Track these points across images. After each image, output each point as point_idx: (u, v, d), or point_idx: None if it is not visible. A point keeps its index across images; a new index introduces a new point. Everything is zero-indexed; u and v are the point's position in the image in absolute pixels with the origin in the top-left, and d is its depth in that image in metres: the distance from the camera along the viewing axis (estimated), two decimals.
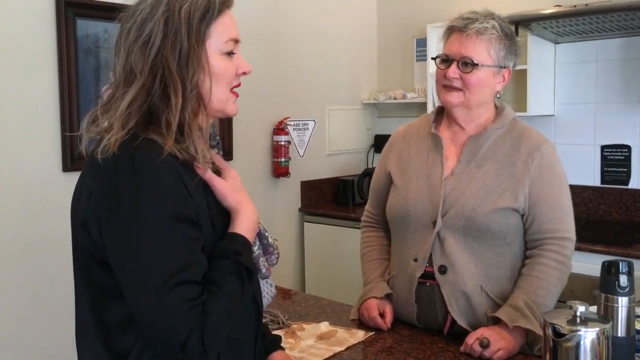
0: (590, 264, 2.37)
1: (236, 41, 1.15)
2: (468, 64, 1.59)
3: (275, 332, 1.46)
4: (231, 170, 1.18)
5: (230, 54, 1.14)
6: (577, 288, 2.45)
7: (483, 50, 1.59)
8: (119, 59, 1.10)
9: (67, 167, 2.55)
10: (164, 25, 1.07)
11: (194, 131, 1.09)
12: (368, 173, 3.53)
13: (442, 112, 1.76)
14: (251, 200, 1.16)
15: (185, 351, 0.98)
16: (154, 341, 1.01)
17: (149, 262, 0.99)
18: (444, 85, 1.64)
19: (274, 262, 1.23)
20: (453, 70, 1.60)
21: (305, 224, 3.64)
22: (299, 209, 3.66)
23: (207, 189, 1.11)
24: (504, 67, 1.64)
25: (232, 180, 1.15)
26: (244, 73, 1.18)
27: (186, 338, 0.98)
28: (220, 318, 1.02)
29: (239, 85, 1.19)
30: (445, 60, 1.64)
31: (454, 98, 1.63)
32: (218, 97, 1.13)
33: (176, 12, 1.07)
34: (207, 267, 1.05)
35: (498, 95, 1.68)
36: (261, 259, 1.17)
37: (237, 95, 1.19)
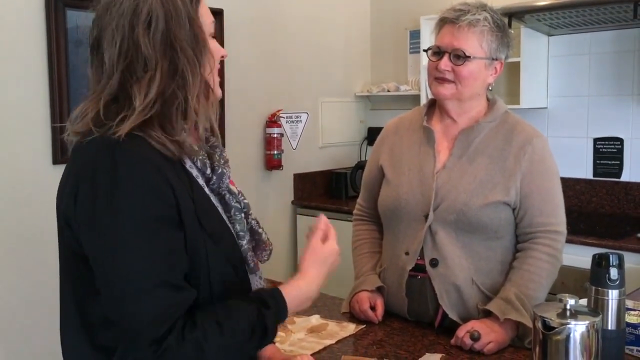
0: (581, 257, 2.37)
1: (213, 22, 1.14)
2: (460, 56, 1.58)
3: None
4: (328, 245, 1.19)
5: (213, 37, 1.13)
6: (568, 280, 2.46)
7: (475, 42, 1.59)
8: (110, 49, 1.04)
9: (57, 159, 2.54)
10: (161, 4, 1.03)
11: (211, 113, 1.08)
12: (361, 166, 3.52)
13: (434, 105, 1.75)
14: (321, 282, 1.14)
15: (157, 353, 0.95)
16: (127, 341, 0.99)
17: (125, 264, 0.97)
18: (435, 77, 1.63)
19: (265, 258, 1.22)
20: (445, 63, 1.60)
21: (298, 216, 3.64)
22: (292, 202, 3.65)
23: (193, 184, 1.08)
24: (496, 59, 1.63)
25: (323, 249, 1.15)
26: (223, 57, 1.16)
27: (161, 339, 0.95)
28: (214, 354, 0.99)
29: (218, 69, 1.17)
30: (437, 52, 1.63)
31: (446, 90, 1.62)
32: (209, 70, 1.11)
33: None
34: (187, 268, 1.02)
35: (490, 88, 1.68)
36: (249, 254, 1.16)
37: (219, 78, 1.17)
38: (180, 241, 1.02)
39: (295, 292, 1.12)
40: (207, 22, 1.11)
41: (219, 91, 1.15)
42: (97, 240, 0.99)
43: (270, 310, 1.06)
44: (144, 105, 1.02)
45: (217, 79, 1.15)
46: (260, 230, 1.21)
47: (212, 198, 1.13)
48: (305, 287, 1.14)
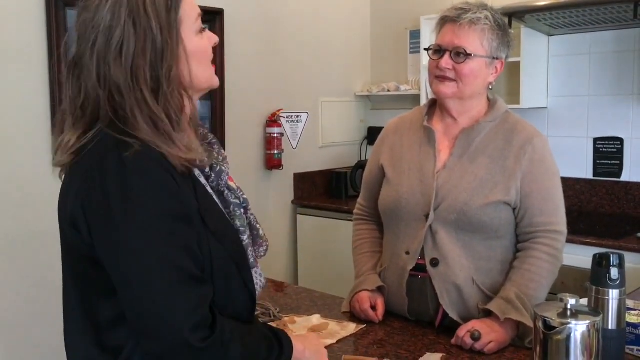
0: (582, 257, 2.38)
1: (200, 14, 1.13)
2: (461, 54, 1.58)
3: None
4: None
5: (202, 31, 1.12)
6: (568, 280, 2.46)
7: (476, 41, 1.59)
8: (89, 74, 1.04)
9: None
10: (133, 28, 1.02)
11: (186, 127, 1.08)
12: (361, 165, 3.52)
13: (434, 105, 1.75)
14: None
15: (185, 348, 0.97)
16: (154, 341, 1.00)
17: (147, 261, 0.97)
18: (437, 76, 1.63)
19: (262, 253, 1.23)
20: (446, 61, 1.60)
21: (298, 216, 3.64)
22: (292, 202, 3.65)
23: (195, 183, 1.09)
24: (497, 58, 1.63)
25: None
26: (215, 44, 1.16)
27: (189, 334, 0.97)
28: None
29: (213, 57, 1.17)
30: (438, 50, 1.63)
31: (447, 89, 1.62)
32: (204, 76, 1.12)
33: (140, 10, 1.02)
34: (202, 262, 1.04)
35: (490, 87, 1.68)
36: (250, 249, 1.17)
37: (214, 66, 1.17)
38: (194, 237, 1.03)
39: (300, 346, 1.19)
40: (191, 20, 1.09)
41: (215, 80, 1.16)
42: (114, 240, 0.99)
43: (282, 335, 1.14)
44: (159, 133, 1.02)
45: (211, 69, 1.15)
46: (258, 225, 1.22)
47: (213, 196, 1.14)
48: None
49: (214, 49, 1.17)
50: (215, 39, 1.16)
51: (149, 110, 1.03)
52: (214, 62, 1.18)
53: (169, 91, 1.04)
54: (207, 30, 1.14)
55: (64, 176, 1.11)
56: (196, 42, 1.10)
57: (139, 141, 1.01)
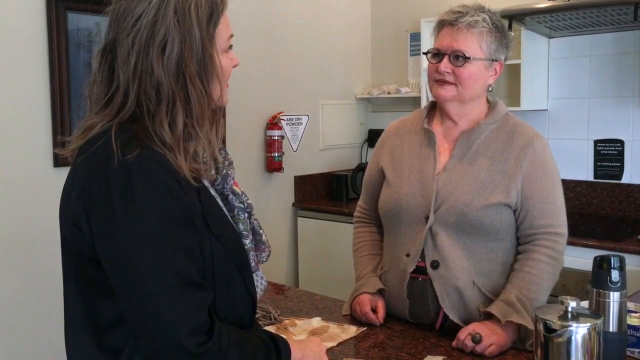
0: (583, 259, 2.37)
1: (232, 36, 1.14)
2: (460, 58, 1.58)
3: (266, 328, 1.45)
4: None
5: (228, 50, 1.13)
6: (569, 283, 2.46)
7: (474, 44, 1.59)
8: (124, 67, 1.03)
9: (58, 162, 2.53)
10: (178, 28, 1.02)
11: (213, 139, 1.09)
12: (362, 168, 3.52)
13: (434, 108, 1.75)
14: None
15: (182, 353, 0.98)
16: (150, 343, 1.00)
17: (147, 264, 0.98)
18: (436, 79, 1.63)
19: (264, 259, 1.24)
20: (445, 64, 1.60)
21: (299, 219, 3.64)
22: (293, 204, 3.65)
23: (200, 186, 1.09)
24: (496, 61, 1.64)
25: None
26: (235, 66, 1.16)
27: (186, 339, 0.97)
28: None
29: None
30: (437, 54, 1.63)
31: (447, 92, 1.62)
32: (218, 93, 1.12)
33: (186, 12, 1.02)
34: (204, 267, 1.04)
35: (490, 89, 1.68)
36: (252, 253, 1.17)
37: (228, 86, 1.18)
38: (195, 241, 1.03)
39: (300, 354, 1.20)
40: (224, 39, 1.10)
41: (226, 99, 1.16)
42: (114, 241, 0.99)
43: (281, 342, 1.14)
44: (176, 139, 1.02)
45: (225, 88, 1.15)
46: (261, 231, 1.22)
47: (217, 199, 1.14)
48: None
49: None
50: (237, 60, 1.16)
51: (184, 113, 1.03)
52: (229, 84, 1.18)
53: (210, 100, 1.05)
54: (231, 52, 1.14)
55: (67, 176, 1.11)
56: (223, 61, 1.10)
57: (149, 142, 1.01)
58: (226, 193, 1.17)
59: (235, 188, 1.19)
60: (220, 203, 1.15)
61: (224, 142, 3.31)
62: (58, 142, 2.49)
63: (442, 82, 1.62)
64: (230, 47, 1.13)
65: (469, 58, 1.58)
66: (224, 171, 1.17)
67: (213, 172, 1.12)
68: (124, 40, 1.03)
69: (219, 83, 1.09)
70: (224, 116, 3.27)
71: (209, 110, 1.07)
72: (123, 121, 1.04)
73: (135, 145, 1.01)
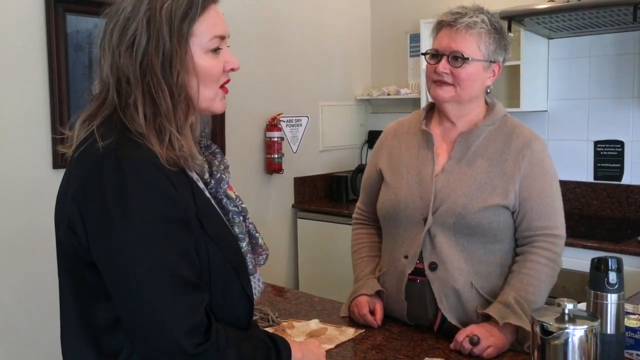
0: (582, 260, 2.36)
1: (222, 37, 1.13)
2: (458, 59, 1.58)
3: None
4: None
5: (216, 50, 1.11)
6: (569, 284, 2.45)
7: (473, 45, 1.58)
8: (105, 61, 1.08)
9: (57, 164, 2.54)
10: (146, 25, 1.05)
11: (187, 133, 1.09)
12: (362, 169, 3.51)
13: (433, 109, 1.75)
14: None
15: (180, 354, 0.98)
16: (147, 344, 1.00)
17: (143, 266, 0.98)
18: (434, 80, 1.63)
19: (262, 262, 1.23)
20: (443, 65, 1.60)
21: (299, 220, 3.63)
22: (292, 206, 3.65)
23: (194, 187, 1.09)
24: (494, 62, 1.63)
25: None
26: (232, 69, 1.15)
27: (183, 340, 0.97)
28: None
29: (228, 81, 1.16)
30: (435, 55, 1.63)
31: (445, 93, 1.62)
32: (205, 96, 1.11)
33: (157, 11, 1.05)
34: (200, 268, 1.04)
35: (488, 90, 1.68)
36: (249, 256, 1.17)
37: (226, 91, 1.16)
38: (191, 242, 1.03)
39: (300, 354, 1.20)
40: (205, 38, 1.09)
41: (218, 105, 1.15)
42: (109, 243, 0.99)
43: (280, 342, 1.15)
44: (148, 129, 1.04)
45: (219, 93, 1.14)
46: (257, 234, 1.22)
47: (212, 201, 1.14)
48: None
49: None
50: (233, 64, 1.14)
51: (152, 105, 1.05)
52: (229, 87, 1.17)
53: (177, 95, 1.06)
54: (227, 54, 1.13)
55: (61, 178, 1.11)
56: (203, 60, 1.09)
57: (135, 135, 1.03)
58: (220, 197, 1.17)
59: (229, 192, 1.19)
60: (215, 206, 1.15)
61: (223, 144, 3.32)
62: (58, 140, 2.50)
63: (440, 83, 1.62)
64: (218, 49, 1.11)
65: (467, 59, 1.58)
66: (218, 175, 1.16)
67: (200, 162, 1.12)
68: (106, 35, 1.08)
69: (198, 82, 1.09)
70: (223, 118, 3.29)
71: (183, 103, 1.08)
72: (109, 114, 1.07)
73: (111, 134, 1.03)
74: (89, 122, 1.08)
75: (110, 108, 1.07)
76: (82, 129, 1.09)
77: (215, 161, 1.20)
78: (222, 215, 1.15)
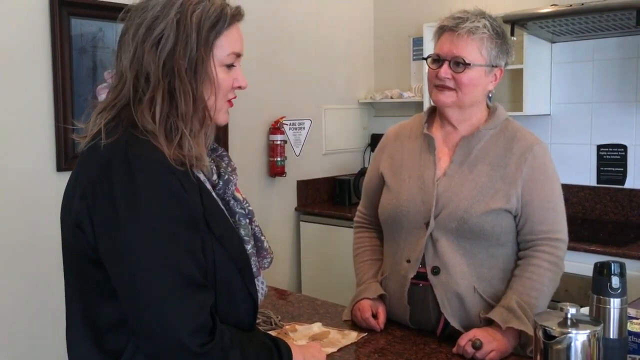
0: (586, 264, 2.36)
1: (238, 55, 1.16)
2: (460, 64, 1.58)
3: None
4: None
5: (230, 66, 1.14)
6: (572, 288, 2.45)
7: (475, 50, 1.59)
8: (125, 54, 1.09)
9: (61, 167, 2.55)
10: (176, 27, 1.06)
11: (200, 141, 1.10)
12: (364, 172, 3.51)
13: (434, 112, 1.75)
14: None
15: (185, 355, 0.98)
16: (153, 343, 1.01)
17: (151, 265, 0.98)
18: (436, 85, 1.63)
19: (266, 265, 1.24)
20: (445, 70, 1.60)
21: (302, 223, 3.64)
22: (295, 209, 3.65)
23: (201, 188, 1.10)
24: (496, 66, 1.63)
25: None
26: (240, 87, 1.18)
27: (188, 339, 0.98)
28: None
29: (234, 97, 1.19)
30: (437, 60, 1.63)
31: (447, 98, 1.62)
32: (212, 103, 1.13)
33: (188, 16, 1.07)
34: (206, 268, 1.05)
35: (490, 95, 1.68)
36: (253, 258, 1.18)
37: (231, 105, 1.19)
38: (198, 242, 1.04)
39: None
40: (224, 52, 1.12)
41: (222, 118, 1.17)
42: (117, 242, 1.00)
43: (282, 345, 1.16)
44: (156, 127, 1.05)
45: (225, 106, 1.16)
46: (262, 237, 1.23)
47: (219, 202, 1.15)
48: None
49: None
50: (242, 82, 1.17)
51: (169, 105, 1.06)
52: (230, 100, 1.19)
53: (198, 101, 1.08)
54: (238, 71, 1.16)
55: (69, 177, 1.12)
56: (219, 73, 1.12)
57: (141, 133, 1.04)
58: (227, 199, 1.18)
59: (237, 194, 1.20)
60: (222, 207, 1.15)
61: (226, 147, 3.32)
62: (62, 141, 2.52)
63: (442, 88, 1.62)
64: (232, 65, 1.14)
65: (469, 64, 1.58)
66: (226, 176, 1.18)
67: (207, 163, 1.13)
68: (130, 29, 1.09)
69: (214, 93, 1.11)
70: None
71: (200, 111, 1.09)
72: (121, 107, 1.08)
73: (117, 131, 1.04)
74: (103, 114, 1.10)
75: (124, 101, 1.08)
76: (97, 120, 1.10)
77: (223, 163, 1.21)
78: (229, 217, 1.16)
